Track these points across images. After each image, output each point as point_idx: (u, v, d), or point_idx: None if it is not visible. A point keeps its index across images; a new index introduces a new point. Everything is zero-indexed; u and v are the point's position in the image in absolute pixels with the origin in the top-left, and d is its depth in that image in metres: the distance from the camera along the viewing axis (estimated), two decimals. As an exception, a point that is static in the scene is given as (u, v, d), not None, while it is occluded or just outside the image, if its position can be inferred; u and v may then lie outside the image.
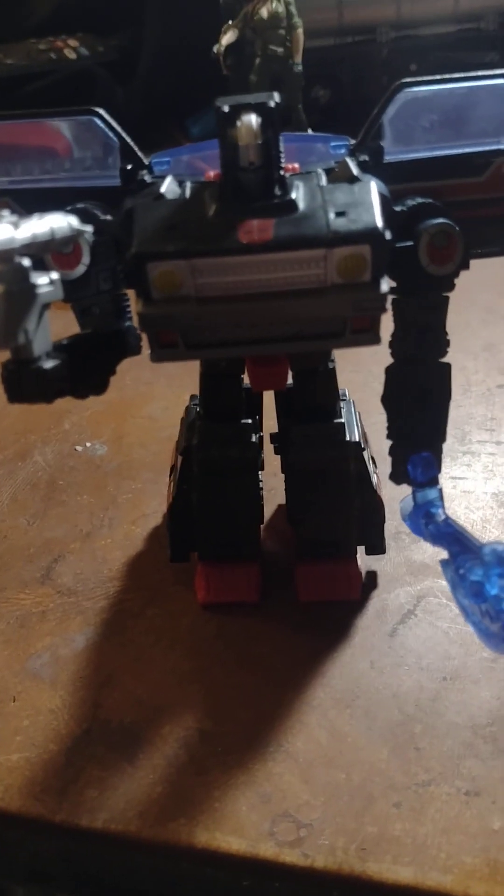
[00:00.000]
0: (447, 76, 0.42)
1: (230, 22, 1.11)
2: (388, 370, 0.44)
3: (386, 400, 0.44)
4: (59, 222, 0.34)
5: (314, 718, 0.47)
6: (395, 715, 0.46)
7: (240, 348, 0.39)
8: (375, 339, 0.39)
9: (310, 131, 1.25)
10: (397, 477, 0.45)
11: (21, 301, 0.33)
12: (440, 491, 0.43)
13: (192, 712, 0.47)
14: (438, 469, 0.44)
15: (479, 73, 0.42)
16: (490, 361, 0.79)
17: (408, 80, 0.42)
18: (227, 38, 1.10)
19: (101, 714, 0.48)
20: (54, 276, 0.35)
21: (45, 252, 0.34)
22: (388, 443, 0.47)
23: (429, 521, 0.42)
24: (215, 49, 1.12)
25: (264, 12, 1.07)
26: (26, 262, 0.33)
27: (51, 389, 0.36)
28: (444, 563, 0.41)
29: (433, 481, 0.43)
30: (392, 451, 0.45)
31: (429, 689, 0.48)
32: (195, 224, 0.37)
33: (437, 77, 0.42)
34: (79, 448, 0.71)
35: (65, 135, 0.46)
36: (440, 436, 0.44)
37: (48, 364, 0.36)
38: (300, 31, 1.10)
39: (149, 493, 0.64)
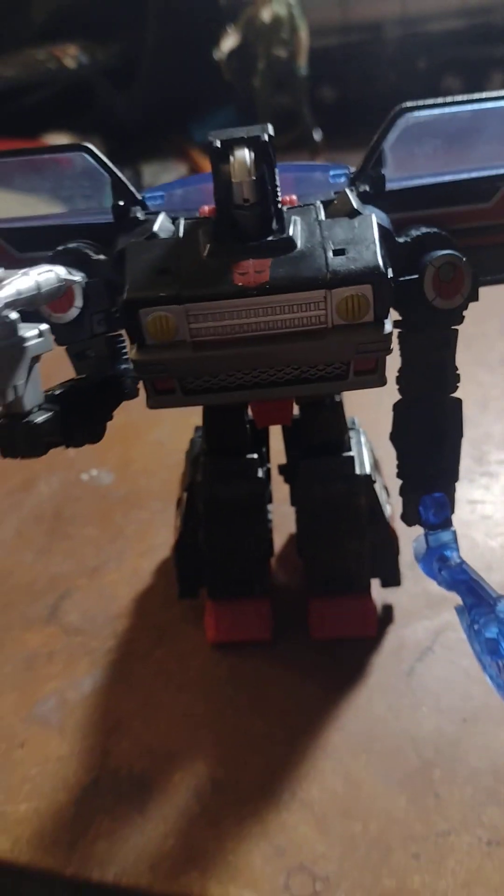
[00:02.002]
0: (449, 99, 0.40)
1: (230, 27, 1.09)
2: (396, 407, 0.42)
3: (394, 438, 0.42)
4: (45, 275, 0.33)
5: (329, 765, 0.45)
6: (413, 761, 0.45)
7: (239, 393, 0.38)
8: (381, 381, 0.37)
9: (317, 134, 1.23)
10: (408, 518, 0.43)
11: (9, 356, 0.32)
12: (454, 533, 0.42)
13: (203, 759, 0.46)
14: (452, 510, 0.42)
15: (484, 95, 0.40)
16: (508, 374, 0.77)
17: (408, 104, 0.40)
18: (229, 43, 1.08)
19: (110, 762, 0.47)
20: (44, 327, 0.34)
21: (31, 307, 0.32)
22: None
23: (442, 565, 0.40)
24: (216, 56, 1.10)
25: (266, 15, 1.05)
26: (14, 315, 0.32)
27: (41, 444, 0.35)
28: (459, 609, 0.39)
29: (446, 523, 0.41)
30: (402, 492, 0.43)
31: (448, 733, 0.46)
32: (188, 266, 0.36)
33: (440, 101, 0.40)
34: (84, 476, 0.70)
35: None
36: (453, 475, 0.42)
37: (39, 418, 0.35)
38: (303, 33, 1.07)
39: (157, 522, 0.63)
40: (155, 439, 0.73)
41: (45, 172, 0.41)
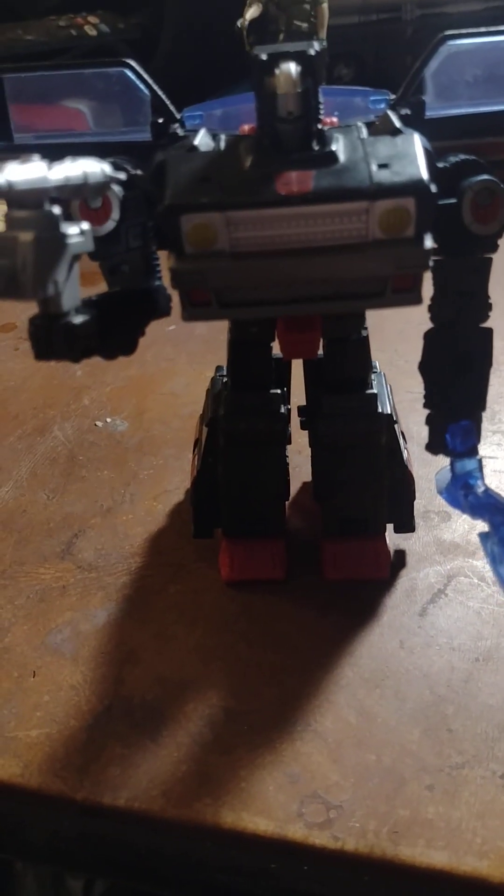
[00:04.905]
0: (493, 28, 0.40)
1: (252, -5, 1.09)
2: (427, 335, 0.42)
3: (424, 367, 0.42)
4: (92, 167, 0.33)
5: (343, 698, 0.45)
6: (426, 696, 0.45)
7: (275, 308, 0.38)
8: (417, 300, 0.38)
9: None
10: (435, 447, 0.43)
11: (51, 249, 0.32)
12: (480, 461, 0.42)
13: (216, 690, 0.46)
14: (478, 438, 0.42)
15: (528, 24, 0.40)
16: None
17: (451, 32, 0.40)
18: (251, 12, 1.08)
19: (123, 690, 0.46)
20: (85, 226, 0.33)
21: (77, 197, 0.32)
22: (418, 419, 0.46)
23: (468, 492, 0.40)
24: (238, 24, 1.10)
25: (289, -14, 1.06)
26: (56, 209, 0.32)
27: (79, 346, 0.35)
28: (483, 535, 0.39)
29: (472, 451, 0.42)
30: (429, 421, 0.43)
31: (461, 670, 0.46)
32: (230, 176, 0.36)
33: (482, 30, 0.40)
34: (99, 424, 0.70)
35: (85, 115, 0.44)
36: (480, 404, 0.43)
37: (77, 319, 0.34)
38: (325, 6, 1.08)
39: (171, 469, 0.63)
40: (169, 391, 0.73)
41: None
